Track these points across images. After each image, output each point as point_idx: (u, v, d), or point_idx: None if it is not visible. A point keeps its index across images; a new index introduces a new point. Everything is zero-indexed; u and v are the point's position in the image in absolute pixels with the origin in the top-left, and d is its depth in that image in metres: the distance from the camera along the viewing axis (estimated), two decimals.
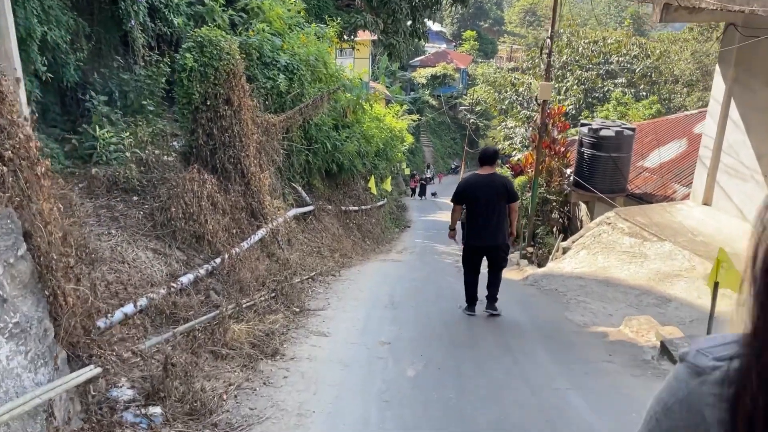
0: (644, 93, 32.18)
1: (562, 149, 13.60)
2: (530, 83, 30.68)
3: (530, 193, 13.66)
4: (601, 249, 9.19)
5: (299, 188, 10.74)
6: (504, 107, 32.66)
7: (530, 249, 12.88)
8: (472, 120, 44.29)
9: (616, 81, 31.80)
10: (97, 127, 6.50)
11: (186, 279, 5.19)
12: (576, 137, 15.98)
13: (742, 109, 9.08)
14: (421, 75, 53.34)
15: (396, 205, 23.82)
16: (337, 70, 12.01)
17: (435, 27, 66.34)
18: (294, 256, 8.45)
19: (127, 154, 6.42)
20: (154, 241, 5.56)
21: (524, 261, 12.01)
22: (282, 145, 9.47)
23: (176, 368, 3.62)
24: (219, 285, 5.69)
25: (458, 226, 6.78)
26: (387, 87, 43.85)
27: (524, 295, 8.01)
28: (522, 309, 7.05)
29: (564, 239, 12.66)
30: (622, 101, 30.47)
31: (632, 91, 32.63)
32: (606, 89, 32.03)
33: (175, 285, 4.96)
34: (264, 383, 4.21)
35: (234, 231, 6.60)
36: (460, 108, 55.46)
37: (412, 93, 51.63)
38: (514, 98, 32.11)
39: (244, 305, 5.36)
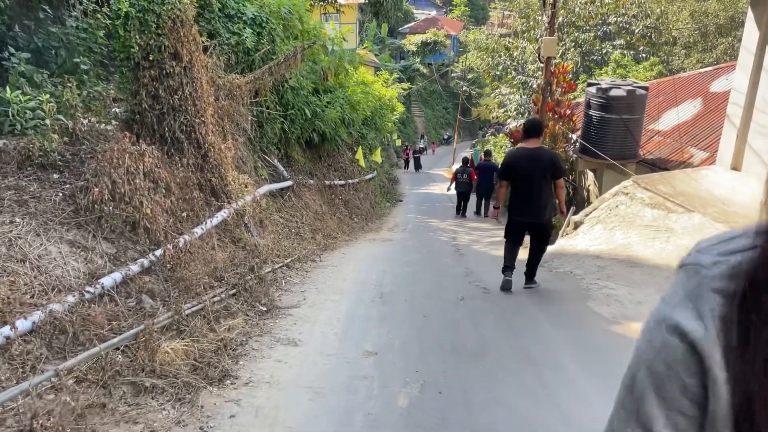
0: (644, 55, 30.87)
1: (568, 112, 12.37)
2: (525, 47, 29.19)
3: None
4: (618, 223, 8.04)
5: (275, 161, 9.50)
6: (498, 73, 31.19)
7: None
8: (464, 87, 42.76)
9: (614, 43, 30.43)
10: (8, 89, 5.23)
11: (110, 280, 4.00)
12: (581, 100, 14.73)
13: None
14: (411, 42, 51.63)
15: (387, 178, 22.60)
16: (315, 26, 10.66)
17: None
18: (266, 240, 7.26)
19: (47, 121, 5.16)
20: (73, 230, 4.35)
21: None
22: (251, 112, 8.20)
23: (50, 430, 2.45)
24: (158, 285, 4.50)
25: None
26: (375, 54, 42.27)
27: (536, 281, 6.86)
28: (537, 299, 5.91)
29: (575, 212, 11.55)
30: (621, 63, 29.17)
31: (631, 53, 31.29)
32: (604, 51, 30.69)
33: (91, 290, 3.77)
34: (201, 429, 3.05)
35: (185, 214, 5.39)
36: (452, 76, 53.94)
37: (402, 61, 50.06)
38: (508, 63, 30.61)
39: (186, 311, 4.18)
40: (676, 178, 8.63)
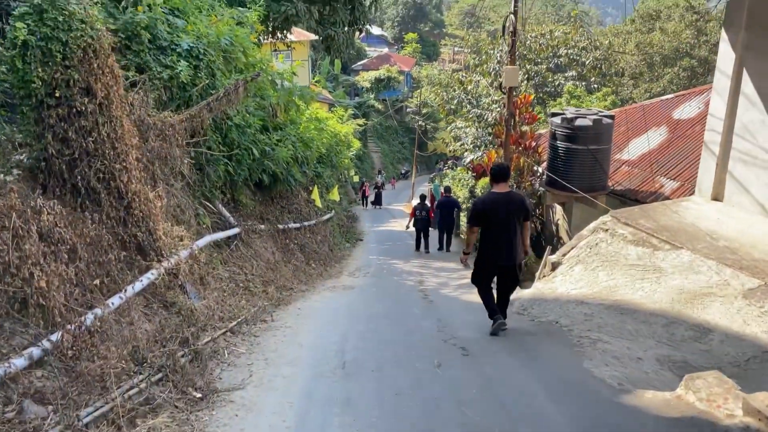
0: (595, 85, 31.29)
1: (533, 144, 11.82)
2: (478, 81, 29.14)
3: None
4: (601, 263, 7.35)
5: (219, 206, 8.54)
6: (453, 107, 31.00)
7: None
8: (420, 122, 42.67)
9: (566, 74, 30.76)
10: None
11: None
12: (542, 131, 14.29)
13: (758, 81, 7.44)
14: (365, 79, 51.57)
15: (346, 216, 21.72)
16: (261, 60, 9.85)
17: (376, 31, 64.83)
18: (207, 300, 6.26)
19: None
20: None
21: None
22: (188, 153, 7.26)
23: None
24: (53, 382, 3.47)
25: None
26: (330, 91, 41.88)
27: (518, 334, 6.04)
28: (524, 361, 5.08)
29: (552, 251, 10.89)
30: (575, 94, 29.40)
31: (583, 84, 31.69)
32: (557, 83, 30.95)
33: None
34: None
35: (96, 282, 4.38)
36: (407, 111, 54.04)
37: (356, 98, 49.82)
38: (463, 97, 30.50)
39: (86, 418, 3.17)
40: (657, 212, 8.04)
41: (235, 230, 8.46)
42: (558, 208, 12.07)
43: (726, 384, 4.00)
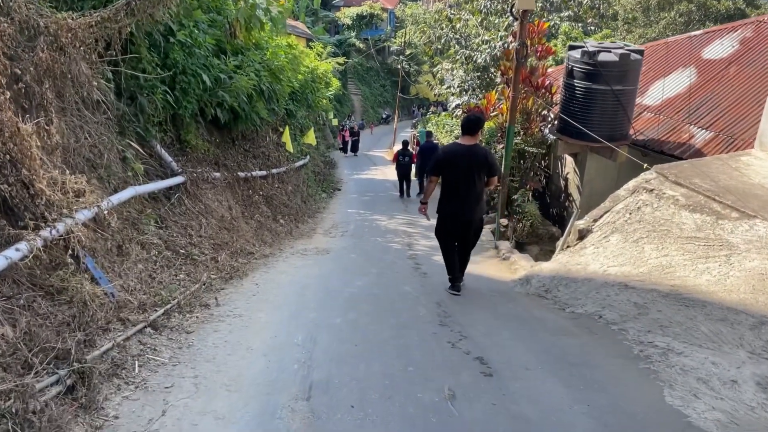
0: (592, 28, 29.28)
1: (546, 82, 10.01)
2: (467, 19, 26.83)
3: (502, 146, 10.07)
4: (647, 233, 5.72)
5: (159, 148, 6.67)
6: (439, 47, 28.68)
7: (504, 222, 9.37)
8: (403, 63, 40.22)
9: (561, 14, 28.61)
10: None
11: None
12: (551, 69, 12.44)
13: None
14: (346, 15, 48.52)
15: (323, 161, 19.86)
16: None
17: None
18: (124, 280, 4.51)
19: None
20: None
21: (505, 243, 8.48)
22: (103, 74, 5.35)
23: None
24: None
25: None
26: (308, 27, 39.08)
27: (551, 333, 4.43)
28: (574, 386, 3.45)
29: (549, 208, 9.36)
30: (571, 36, 27.38)
31: (579, 25, 29.64)
32: (552, 24, 28.82)
33: None
34: None
35: None
36: (390, 52, 51.27)
37: (336, 35, 46.91)
38: (451, 36, 28.19)
39: None
40: (713, 168, 6.39)
41: (178, 179, 6.64)
42: (568, 160, 10.40)
43: None
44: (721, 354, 3.94)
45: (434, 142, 15.41)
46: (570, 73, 9.48)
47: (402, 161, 14.88)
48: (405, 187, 15.08)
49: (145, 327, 4.09)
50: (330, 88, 22.44)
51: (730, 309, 4.45)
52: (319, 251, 7.98)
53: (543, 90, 9.84)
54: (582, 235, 6.31)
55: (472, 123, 5.69)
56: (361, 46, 46.53)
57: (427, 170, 6.11)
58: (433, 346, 4.12)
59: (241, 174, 8.80)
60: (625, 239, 5.84)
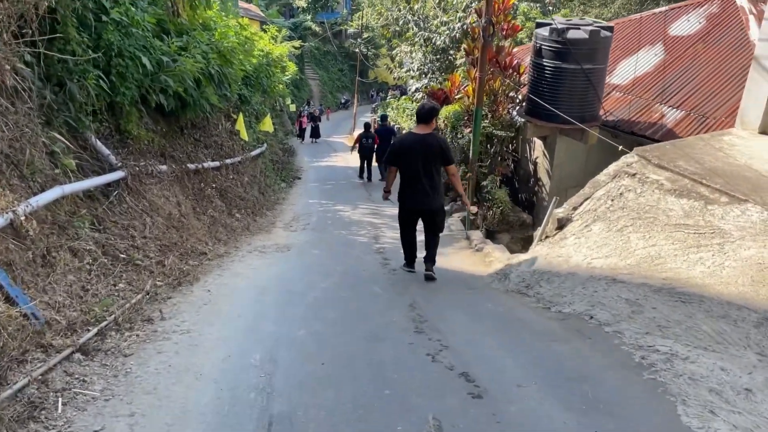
0: (550, 8, 29.15)
1: (514, 61, 9.57)
2: (426, 0, 26.28)
3: (469, 130, 9.61)
4: (631, 221, 5.34)
5: (94, 140, 5.95)
6: (398, 29, 28.06)
7: (474, 209, 8.92)
8: (361, 45, 39.44)
9: None
10: None
11: None
12: (516, 49, 12.03)
13: None
14: None
15: (282, 149, 19.12)
16: None
17: None
18: (50, 296, 3.86)
19: None
20: None
21: (476, 233, 8.04)
22: (19, 54, 4.63)
23: None
24: None
25: None
26: (262, 10, 37.88)
27: (539, 337, 3.99)
28: (577, 408, 3.00)
29: (518, 193, 9.00)
30: (530, 16, 27.16)
31: (537, 5, 29.49)
32: (511, 2, 28.45)
33: None
34: None
35: None
36: (347, 35, 50.29)
37: (292, 19, 45.71)
38: (409, 18, 27.61)
39: None
40: (696, 149, 6.05)
41: (117, 174, 5.94)
42: (537, 143, 10.02)
43: None
44: (729, 357, 3.56)
45: (390, 125, 15.69)
46: (538, 52, 9.06)
47: (365, 143, 14.90)
48: (367, 169, 15.17)
49: (73, 353, 3.48)
50: (286, 73, 21.64)
51: (730, 304, 4.09)
52: (279, 248, 7.39)
53: (511, 70, 9.40)
54: (561, 224, 5.91)
55: (425, 112, 5.61)
56: (318, 29, 45.51)
57: (383, 160, 6.04)
58: (410, 361, 3.62)
59: (191, 166, 8.10)
60: (609, 228, 5.44)
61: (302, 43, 36.55)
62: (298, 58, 34.93)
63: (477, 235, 7.85)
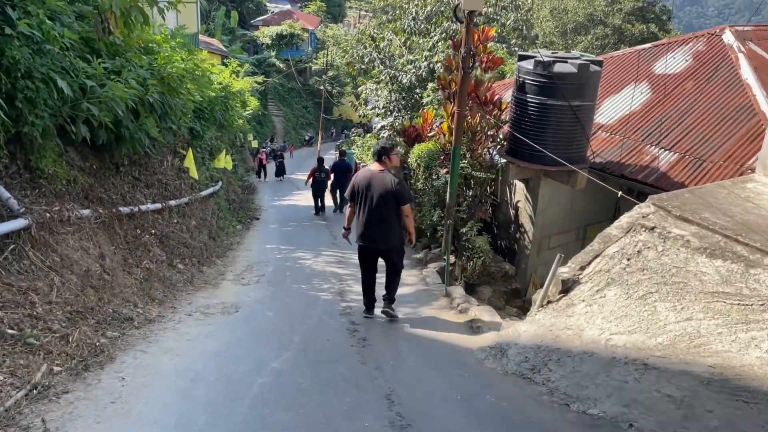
0: (515, 49, 29.06)
1: (495, 97, 8.72)
2: (391, 39, 25.86)
3: (445, 170, 8.64)
4: (655, 286, 4.37)
5: None
6: (363, 66, 27.46)
7: (451, 259, 7.90)
8: (326, 82, 38.82)
9: None
10: None
11: None
12: (495, 84, 11.28)
13: None
14: (265, 34, 46.69)
15: (241, 186, 17.91)
16: None
17: None
18: None
19: None
20: None
21: (458, 290, 6.98)
22: None
23: None
24: None
25: None
26: (225, 46, 36.99)
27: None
28: None
29: (497, 240, 8.18)
30: (498, 55, 26.77)
31: (504, 46, 29.30)
32: (492, 32, 28.17)
33: None
34: None
35: None
36: (311, 73, 49.77)
37: (256, 55, 44.93)
38: (375, 56, 27.02)
39: None
40: (720, 198, 5.17)
41: (17, 224, 4.71)
42: (519, 186, 9.12)
43: None
44: None
45: (346, 161, 16.01)
46: (521, 87, 8.24)
47: (318, 177, 15.26)
48: (321, 203, 15.48)
49: None
50: (247, 108, 20.60)
51: None
52: (226, 308, 6.18)
53: (491, 106, 8.53)
54: (567, 287, 4.90)
55: (377, 150, 5.70)
56: (282, 66, 44.78)
57: (345, 195, 6.17)
58: None
59: (125, 209, 6.88)
60: (628, 294, 4.46)
61: (265, 79, 35.76)
62: (261, 93, 34.00)
63: (458, 292, 6.79)
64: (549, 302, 4.97)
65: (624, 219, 5.09)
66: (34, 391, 3.54)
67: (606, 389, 3.63)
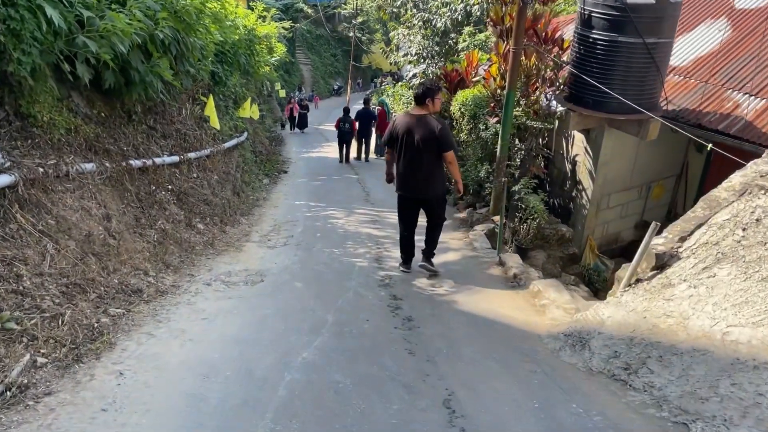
0: None
1: (556, 33, 7.59)
2: None
3: (496, 119, 7.64)
4: None
5: None
6: (395, 10, 25.91)
7: (496, 220, 6.98)
8: (356, 27, 37.28)
9: None
10: None
11: None
12: (556, 19, 10.00)
13: None
14: None
15: (269, 137, 17.10)
16: None
17: None
18: None
19: None
20: None
21: (513, 258, 6.09)
22: None
23: None
24: None
25: None
26: None
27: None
28: None
29: (550, 198, 7.23)
30: None
31: None
32: None
33: None
34: None
35: None
36: (340, 19, 48.05)
37: (283, 0, 43.35)
38: None
39: None
40: None
41: (1, 180, 3.96)
42: (578, 138, 8.08)
43: None
44: None
45: (372, 109, 16.11)
46: (586, 22, 7.12)
47: (343, 128, 15.42)
48: (345, 152, 15.62)
49: None
50: (274, 54, 19.56)
51: None
52: (249, 276, 5.44)
53: (551, 44, 7.42)
54: (662, 262, 3.98)
55: (422, 91, 5.26)
56: (310, 12, 43.18)
57: (382, 141, 5.41)
58: None
59: (137, 162, 6.11)
60: (746, 274, 3.53)
61: (293, 25, 34.37)
62: (289, 41, 32.78)
63: (514, 260, 5.91)
64: (638, 281, 4.06)
65: (736, 178, 4.10)
66: (8, 393, 2.83)
67: (736, 405, 2.77)
